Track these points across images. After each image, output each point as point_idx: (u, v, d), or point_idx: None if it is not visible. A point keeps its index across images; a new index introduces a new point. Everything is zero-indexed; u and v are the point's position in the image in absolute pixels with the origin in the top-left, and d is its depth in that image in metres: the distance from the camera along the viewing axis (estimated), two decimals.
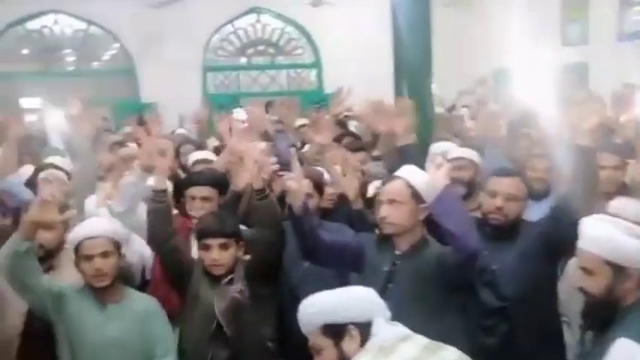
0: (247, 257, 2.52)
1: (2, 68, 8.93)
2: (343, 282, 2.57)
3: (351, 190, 2.93)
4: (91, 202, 3.13)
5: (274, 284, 2.64)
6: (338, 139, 4.54)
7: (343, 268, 2.48)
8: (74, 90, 9.01)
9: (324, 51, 10.23)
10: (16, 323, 2.45)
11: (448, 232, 2.08)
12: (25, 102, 8.64)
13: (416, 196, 2.23)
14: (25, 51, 9.23)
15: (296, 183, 2.28)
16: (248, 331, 2.44)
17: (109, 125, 5.54)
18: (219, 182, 2.97)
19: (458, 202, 2.24)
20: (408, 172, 2.31)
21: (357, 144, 4.12)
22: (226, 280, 2.46)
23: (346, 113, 5.58)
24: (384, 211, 2.24)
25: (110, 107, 7.50)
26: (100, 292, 2.35)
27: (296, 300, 2.56)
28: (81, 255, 2.32)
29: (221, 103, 9.04)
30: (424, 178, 2.25)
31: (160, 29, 8.83)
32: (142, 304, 2.44)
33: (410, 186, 2.24)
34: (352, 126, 5.86)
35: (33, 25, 9.13)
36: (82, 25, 9.32)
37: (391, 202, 2.23)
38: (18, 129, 3.51)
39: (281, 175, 2.69)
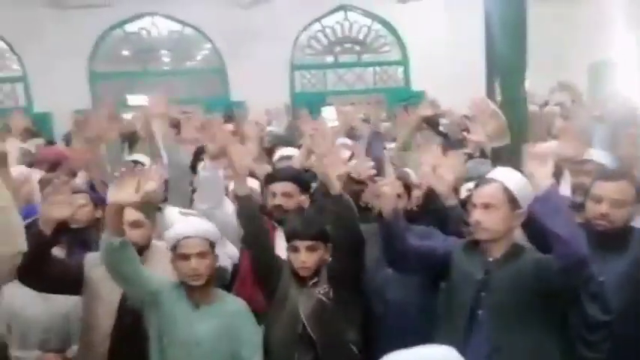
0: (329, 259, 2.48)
1: (105, 69, 9.44)
2: (428, 288, 2.51)
3: (443, 186, 2.70)
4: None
5: (357, 288, 2.58)
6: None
7: (429, 274, 2.41)
8: (170, 89, 9.56)
9: (412, 48, 10.09)
10: (107, 322, 2.49)
11: (554, 235, 1.94)
12: (132, 99, 9.15)
13: (512, 200, 2.12)
14: (125, 52, 9.72)
15: (390, 188, 2.22)
16: (332, 334, 2.40)
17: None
18: (301, 179, 2.95)
19: (564, 202, 2.09)
20: (504, 174, 2.19)
21: (448, 144, 4.02)
22: (312, 282, 2.44)
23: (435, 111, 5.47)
24: (477, 215, 2.15)
25: (202, 106, 7.77)
26: (193, 292, 2.37)
27: (381, 304, 2.58)
28: (178, 254, 2.34)
29: (308, 101, 9.17)
30: (521, 181, 2.13)
31: (249, 29, 9.02)
32: (232, 306, 2.45)
33: (506, 190, 2.13)
34: (441, 124, 5.74)
35: (132, 27, 9.60)
36: (177, 27, 9.70)
37: (486, 206, 2.13)
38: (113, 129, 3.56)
39: (375, 181, 2.58)
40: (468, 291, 2.09)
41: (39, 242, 2.30)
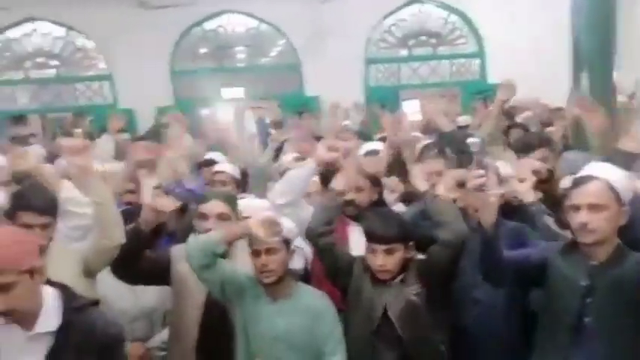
0: (420, 256, 2.45)
1: (185, 66, 9.78)
2: (517, 292, 2.45)
3: (523, 192, 2.58)
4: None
5: (450, 288, 2.54)
6: (505, 132, 4.33)
7: (522, 282, 2.31)
8: (246, 85, 9.78)
9: (489, 40, 9.83)
10: (195, 313, 2.52)
11: None
12: (226, 92, 9.43)
13: (618, 198, 1.99)
14: (203, 50, 10.02)
15: (496, 199, 2.12)
16: (422, 334, 2.37)
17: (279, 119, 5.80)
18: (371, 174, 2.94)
19: None
20: (605, 170, 2.05)
21: (526, 140, 3.87)
22: (398, 279, 2.41)
23: (514, 104, 5.31)
24: (584, 217, 1.99)
25: (277, 101, 7.93)
26: (269, 287, 2.37)
27: (471, 303, 2.50)
28: (252, 249, 2.35)
29: (381, 95, 9.14)
30: (623, 177, 2.01)
31: (324, 24, 9.08)
32: (312, 300, 2.42)
33: (612, 187, 1.99)
34: (520, 117, 5.59)
35: (210, 25, 9.87)
36: (254, 24, 9.89)
37: (592, 206, 1.98)
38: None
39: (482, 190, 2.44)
40: (571, 298, 1.98)
41: (137, 241, 2.41)
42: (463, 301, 2.53)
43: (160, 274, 2.58)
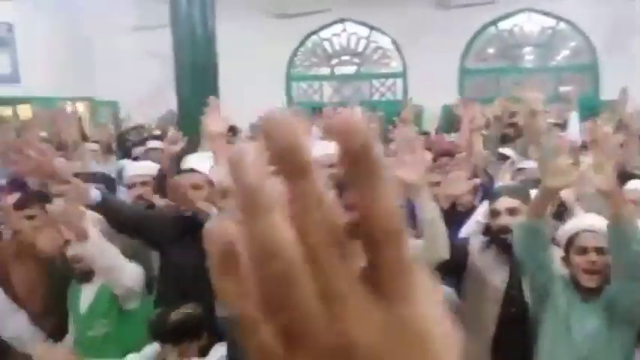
0: None
1: (474, 65, 9.96)
2: None
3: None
4: None
5: None
6: None
7: None
8: (534, 86, 9.50)
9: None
10: (493, 309, 2.44)
11: None
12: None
13: None
14: (492, 49, 10.06)
15: None
16: None
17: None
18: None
19: None
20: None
21: None
22: None
23: None
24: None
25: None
26: (582, 287, 2.23)
27: None
28: (576, 246, 2.22)
29: None
30: None
31: (628, 21, 8.34)
32: None
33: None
34: None
35: (505, 24, 9.86)
36: (551, 23, 9.57)
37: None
38: None
39: None
40: None
41: None
42: None
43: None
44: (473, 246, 2.53)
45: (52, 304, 2.74)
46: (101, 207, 2.54)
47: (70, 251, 2.48)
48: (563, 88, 8.64)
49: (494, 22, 9.78)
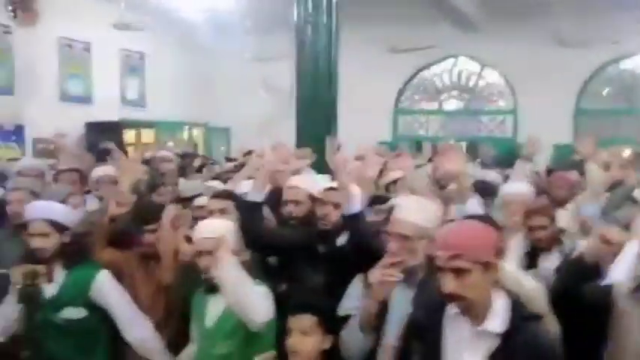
0: None
1: (591, 106, 9.57)
2: None
3: None
4: None
5: None
6: None
7: None
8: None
9: None
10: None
11: None
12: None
13: None
14: (609, 89, 9.63)
15: None
16: None
17: None
18: None
19: None
20: None
21: None
22: None
23: None
24: None
25: None
26: None
27: None
28: None
29: None
30: None
31: None
32: None
33: None
34: None
35: (626, 64, 9.45)
36: None
37: None
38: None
39: None
40: None
41: None
42: None
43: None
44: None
45: (173, 315, 2.90)
46: None
47: (204, 261, 2.46)
48: None
49: (615, 61, 9.37)
